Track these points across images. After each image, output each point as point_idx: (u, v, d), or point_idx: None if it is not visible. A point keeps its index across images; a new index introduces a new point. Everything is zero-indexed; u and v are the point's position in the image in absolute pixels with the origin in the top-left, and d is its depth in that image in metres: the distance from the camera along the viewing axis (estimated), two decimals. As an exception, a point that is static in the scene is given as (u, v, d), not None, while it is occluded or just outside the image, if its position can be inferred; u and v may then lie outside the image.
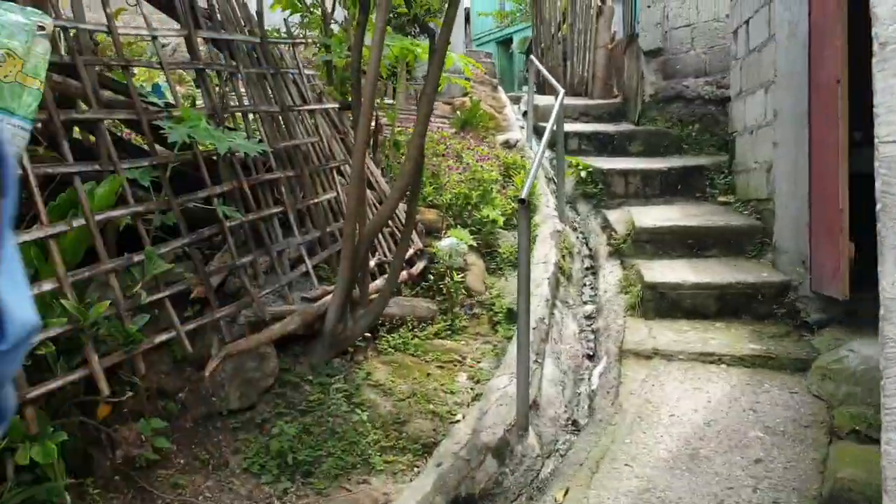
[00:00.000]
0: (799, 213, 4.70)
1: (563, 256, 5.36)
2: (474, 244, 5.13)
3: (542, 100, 9.10)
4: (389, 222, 4.87)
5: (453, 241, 4.97)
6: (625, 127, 7.80)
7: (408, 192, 3.68)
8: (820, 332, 4.24)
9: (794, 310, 4.45)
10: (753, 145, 5.37)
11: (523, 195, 3.36)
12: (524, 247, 3.41)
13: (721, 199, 5.87)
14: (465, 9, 24.02)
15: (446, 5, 3.41)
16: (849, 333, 4.05)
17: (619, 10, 9.51)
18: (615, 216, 5.77)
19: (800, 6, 4.64)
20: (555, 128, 5.43)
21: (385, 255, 4.72)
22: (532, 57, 8.25)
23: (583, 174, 6.38)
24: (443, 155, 6.53)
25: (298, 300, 3.88)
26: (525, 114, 8.99)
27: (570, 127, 7.43)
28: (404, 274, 4.47)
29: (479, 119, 7.66)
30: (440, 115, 8.15)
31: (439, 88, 4.00)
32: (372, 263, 4.36)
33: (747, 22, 5.47)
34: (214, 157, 3.64)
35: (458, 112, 7.96)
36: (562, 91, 5.87)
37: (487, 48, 23.81)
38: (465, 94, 8.89)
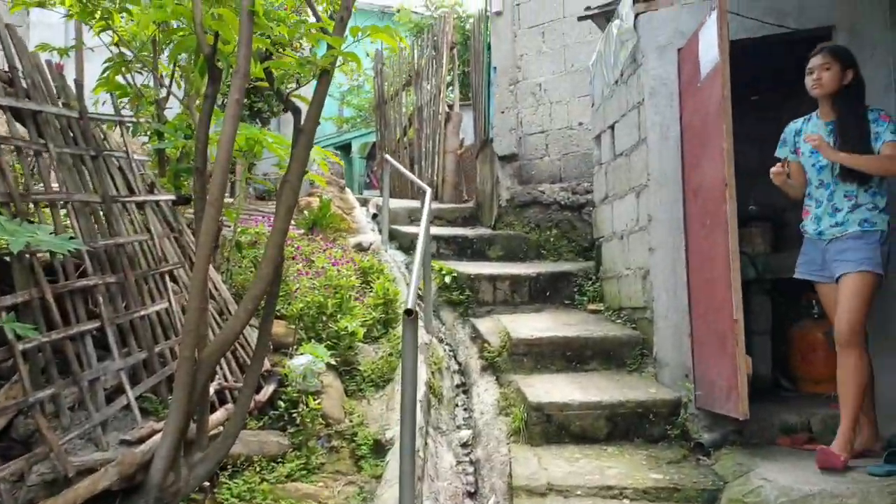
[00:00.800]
0: (679, 324, 4.45)
1: (433, 373, 4.75)
2: (332, 362, 4.39)
3: (393, 202, 8.70)
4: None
5: (308, 360, 4.21)
6: (482, 231, 7.51)
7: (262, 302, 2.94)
8: (716, 453, 3.88)
9: (686, 430, 4.09)
10: (625, 251, 5.16)
11: (409, 305, 2.75)
12: (409, 369, 2.77)
13: (591, 306, 5.58)
14: (305, 113, 23.76)
15: (316, 78, 2.84)
16: (748, 456, 3.72)
17: (470, 116, 9.47)
18: (486, 325, 5.29)
19: (670, 110, 4.56)
20: (423, 232, 4.95)
21: (225, 379, 3.86)
22: (387, 156, 7.87)
23: (447, 279, 5.90)
24: (291, 258, 5.80)
25: (116, 444, 2.96)
26: (375, 216, 8.54)
27: (427, 230, 7.01)
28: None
29: (329, 220, 7.06)
30: (285, 215, 7.45)
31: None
32: (211, 390, 3.50)
33: (612, 126, 5.38)
34: (7, 258, 2.75)
35: (304, 212, 7.31)
36: (429, 190, 5.44)
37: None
38: (311, 194, 8.29)
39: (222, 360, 3.88)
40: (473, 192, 9.38)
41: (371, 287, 5.59)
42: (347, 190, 9.28)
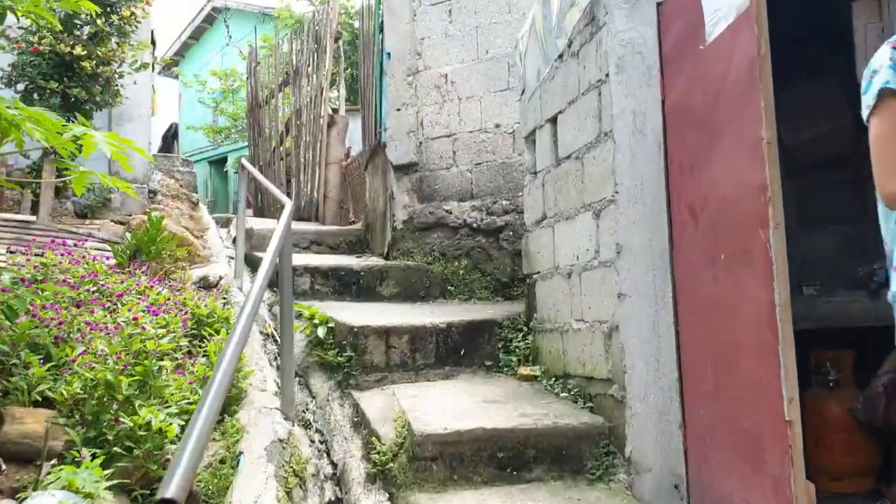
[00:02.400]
0: (665, 409, 2.96)
1: (291, 489, 3.00)
2: (108, 488, 2.58)
3: (261, 223, 6.89)
4: None
5: (64, 498, 2.39)
6: (373, 261, 5.83)
7: None
8: None
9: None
10: (574, 295, 3.62)
11: (169, 494, 1.03)
12: None
13: (523, 370, 4.00)
14: (173, 124, 21.34)
15: None
16: None
17: (359, 124, 7.80)
18: (375, 405, 3.59)
19: (647, 90, 3.09)
20: (278, 259, 3.22)
21: None
22: (245, 161, 6.06)
23: (320, 332, 4.17)
24: (86, 303, 3.90)
25: None
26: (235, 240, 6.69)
27: (298, 260, 5.25)
28: None
29: (162, 245, 5.16)
30: (103, 239, 5.49)
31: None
32: None
33: (554, 119, 3.86)
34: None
35: (128, 235, 5.39)
36: (288, 203, 3.71)
37: (198, 167, 21.19)
38: (150, 211, 6.35)
39: None
40: (362, 211, 7.68)
41: (205, 347, 3.79)
42: (201, 206, 7.36)
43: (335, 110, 9.03)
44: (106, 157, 3.33)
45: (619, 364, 3.10)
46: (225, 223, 7.87)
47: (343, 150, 8.71)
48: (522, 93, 4.54)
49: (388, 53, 6.09)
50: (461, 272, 5.52)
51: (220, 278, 5.15)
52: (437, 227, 5.79)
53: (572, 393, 3.60)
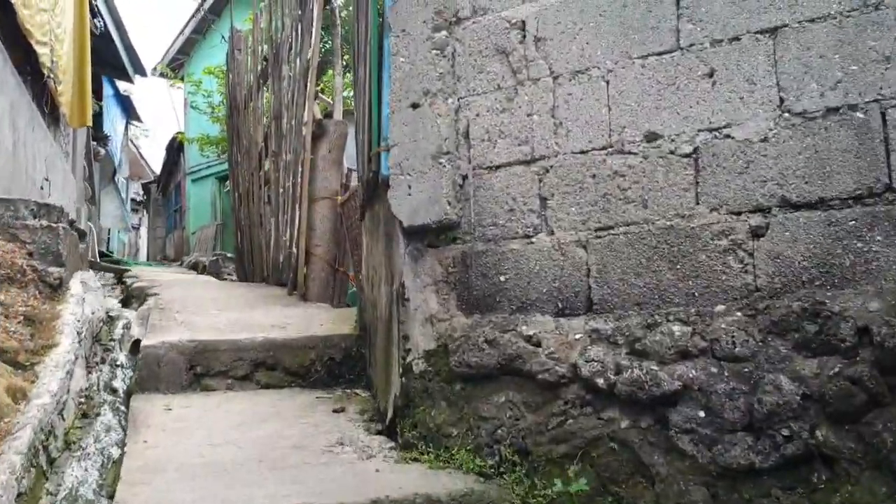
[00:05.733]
0: None
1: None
2: None
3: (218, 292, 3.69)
4: None
5: None
6: (367, 440, 2.50)
7: None
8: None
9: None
10: None
11: None
12: None
13: None
14: (178, 133, 18.33)
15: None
16: None
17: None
18: None
19: None
20: None
21: None
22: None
23: None
24: None
25: None
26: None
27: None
28: None
29: None
30: None
31: None
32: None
33: None
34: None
35: None
36: None
37: (204, 185, 18.20)
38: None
39: None
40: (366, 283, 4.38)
41: None
42: (71, 293, 4.04)
43: (328, 114, 5.82)
44: None
45: None
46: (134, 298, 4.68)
47: (338, 177, 5.46)
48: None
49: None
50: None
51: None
52: (503, 379, 2.47)
53: None
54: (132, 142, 21.50)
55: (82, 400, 3.33)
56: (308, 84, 5.39)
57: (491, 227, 2.63)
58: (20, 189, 4.95)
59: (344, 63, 6.48)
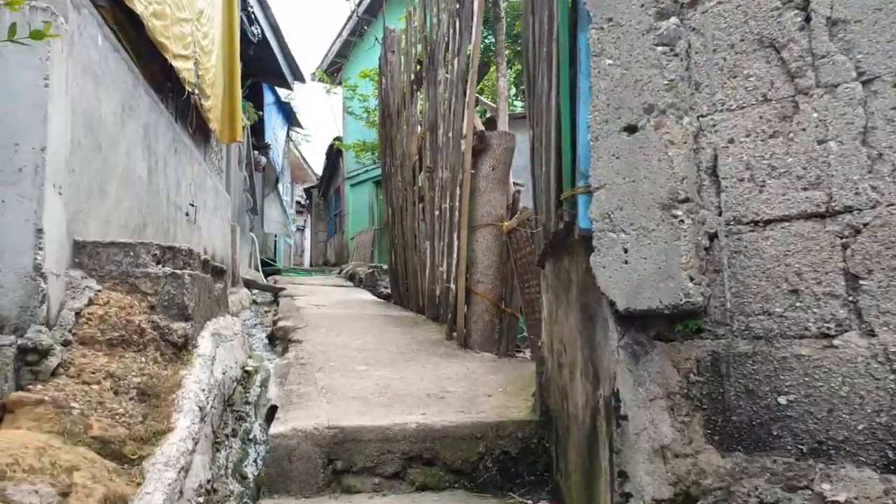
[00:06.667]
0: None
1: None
2: None
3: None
4: None
5: None
6: None
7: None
8: None
9: None
10: None
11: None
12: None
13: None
14: (336, 139, 18.37)
15: None
16: None
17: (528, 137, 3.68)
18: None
19: None
20: None
21: None
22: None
23: None
24: None
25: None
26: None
27: None
28: None
29: None
30: None
31: None
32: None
33: None
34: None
35: None
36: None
37: (362, 190, 18.12)
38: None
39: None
40: (541, 328, 3.56)
41: None
42: (199, 353, 3.50)
43: (489, 120, 5.02)
44: None
45: None
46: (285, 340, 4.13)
47: (503, 200, 4.63)
48: None
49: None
50: None
51: None
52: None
53: None
54: (295, 146, 21.99)
55: (201, 498, 2.73)
56: (468, 89, 4.62)
57: (760, 316, 1.70)
58: (158, 220, 4.57)
59: (507, 60, 5.66)
